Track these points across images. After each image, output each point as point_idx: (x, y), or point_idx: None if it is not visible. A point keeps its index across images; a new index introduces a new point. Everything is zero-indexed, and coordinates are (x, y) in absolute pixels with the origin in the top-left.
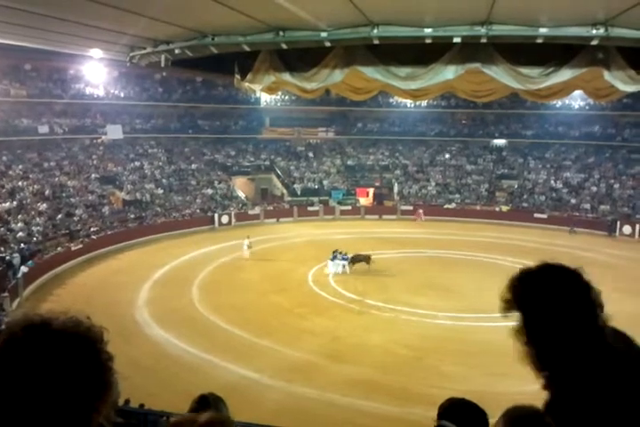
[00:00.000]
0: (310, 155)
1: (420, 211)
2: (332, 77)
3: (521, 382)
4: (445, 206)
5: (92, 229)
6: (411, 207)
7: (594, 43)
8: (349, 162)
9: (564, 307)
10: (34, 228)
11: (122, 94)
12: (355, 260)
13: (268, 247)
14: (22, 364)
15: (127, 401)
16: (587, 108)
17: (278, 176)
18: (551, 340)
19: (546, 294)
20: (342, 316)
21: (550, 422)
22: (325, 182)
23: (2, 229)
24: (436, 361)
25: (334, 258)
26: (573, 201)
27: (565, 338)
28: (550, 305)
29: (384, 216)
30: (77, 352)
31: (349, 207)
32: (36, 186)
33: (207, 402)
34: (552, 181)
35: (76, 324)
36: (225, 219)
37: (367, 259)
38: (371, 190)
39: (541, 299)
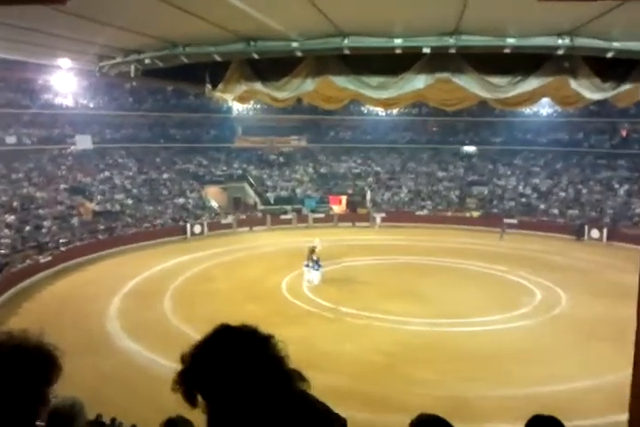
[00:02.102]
0: (283, 163)
1: (378, 219)
2: (304, 87)
3: (495, 386)
4: (417, 213)
5: (61, 241)
6: (383, 214)
7: (560, 52)
8: (322, 170)
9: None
10: (1, 240)
11: (91, 104)
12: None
13: (241, 256)
14: None
15: (99, 416)
16: (554, 115)
17: (251, 185)
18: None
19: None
20: (316, 324)
21: None
22: (298, 191)
23: None
24: (411, 367)
25: (313, 266)
26: (542, 206)
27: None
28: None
29: (357, 223)
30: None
31: (322, 215)
32: (3, 197)
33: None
34: (521, 187)
35: (16, 343)
36: (197, 229)
37: None
38: (344, 198)
39: (221, 370)
